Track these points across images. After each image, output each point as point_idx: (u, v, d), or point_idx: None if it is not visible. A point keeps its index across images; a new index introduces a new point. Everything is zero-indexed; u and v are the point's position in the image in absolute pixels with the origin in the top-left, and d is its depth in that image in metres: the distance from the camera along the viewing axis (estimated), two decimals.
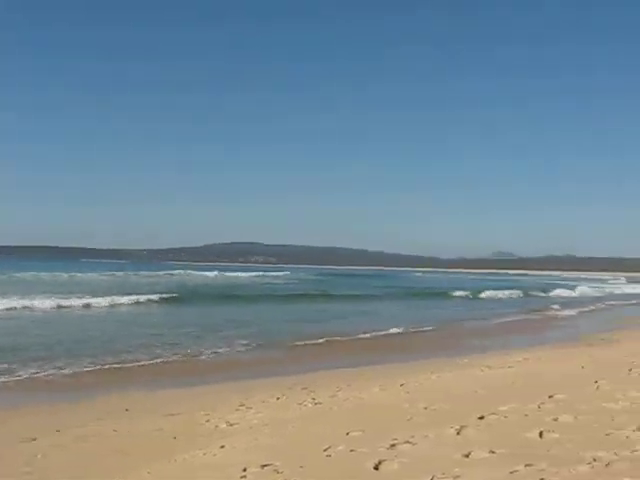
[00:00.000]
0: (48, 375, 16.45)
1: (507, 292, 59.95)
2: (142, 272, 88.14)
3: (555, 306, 45.32)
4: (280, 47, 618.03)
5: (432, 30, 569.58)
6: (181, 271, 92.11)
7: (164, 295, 42.30)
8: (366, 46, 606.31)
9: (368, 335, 26.94)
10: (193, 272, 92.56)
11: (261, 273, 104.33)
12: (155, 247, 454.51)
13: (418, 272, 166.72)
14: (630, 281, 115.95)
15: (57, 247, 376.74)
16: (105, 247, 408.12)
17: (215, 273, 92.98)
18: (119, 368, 17.82)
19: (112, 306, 37.38)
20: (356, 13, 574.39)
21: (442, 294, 58.03)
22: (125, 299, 39.42)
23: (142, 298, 40.35)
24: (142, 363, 18.71)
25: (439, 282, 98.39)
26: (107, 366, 17.88)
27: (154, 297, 41.29)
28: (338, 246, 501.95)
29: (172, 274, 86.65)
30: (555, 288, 69.78)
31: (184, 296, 44.30)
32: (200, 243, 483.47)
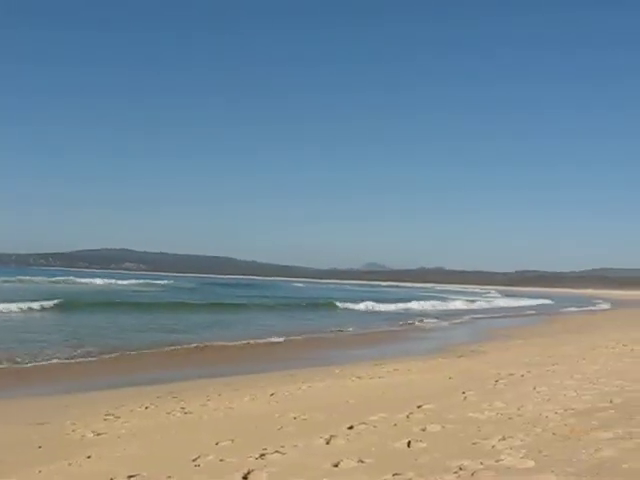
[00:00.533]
0: None
1: (386, 305, 59.58)
2: (19, 277, 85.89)
3: (430, 319, 45.98)
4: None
5: None
6: (61, 277, 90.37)
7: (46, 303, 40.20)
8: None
9: (241, 343, 26.94)
10: (76, 279, 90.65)
11: (142, 280, 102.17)
12: (23, 252, 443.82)
13: (298, 282, 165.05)
14: (505, 295, 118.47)
15: None
16: None
17: (101, 280, 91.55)
18: None
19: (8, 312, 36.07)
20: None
21: (324, 305, 57.27)
22: (13, 306, 37.56)
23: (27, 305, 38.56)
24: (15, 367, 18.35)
25: (320, 292, 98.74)
26: None
27: (37, 305, 39.28)
28: (209, 254, 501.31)
29: (53, 281, 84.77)
30: (429, 299, 70.55)
31: (66, 303, 42.30)
32: (69, 249, 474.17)
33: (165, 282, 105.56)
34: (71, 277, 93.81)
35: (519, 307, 73.13)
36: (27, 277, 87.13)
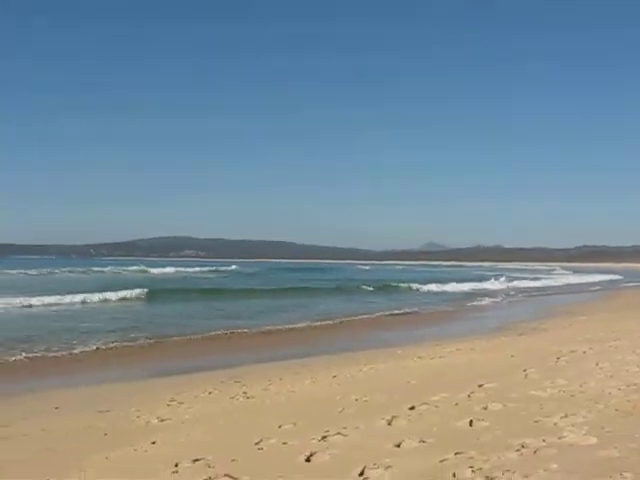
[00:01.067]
0: None
1: (451, 285, 57.93)
2: (95, 268, 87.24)
3: (492, 298, 45.59)
4: None
5: None
6: (137, 267, 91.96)
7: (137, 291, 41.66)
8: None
9: (305, 325, 27.24)
10: (148, 268, 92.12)
11: (208, 268, 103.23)
12: (83, 242, 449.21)
13: (363, 265, 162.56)
14: (572, 271, 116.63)
15: None
16: (30, 243, 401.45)
17: (173, 269, 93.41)
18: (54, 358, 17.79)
19: (104, 301, 37.71)
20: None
21: (391, 287, 56.17)
22: (112, 295, 39.33)
23: (128, 294, 40.35)
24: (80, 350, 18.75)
25: (385, 274, 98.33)
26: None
27: (132, 294, 40.87)
28: (268, 239, 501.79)
29: (127, 270, 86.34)
30: (495, 278, 68.31)
31: (158, 292, 43.80)
32: (129, 238, 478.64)
33: (233, 268, 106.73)
34: (142, 266, 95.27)
35: (586, 283, 71.93)
36: (98, 268, 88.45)
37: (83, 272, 79.03)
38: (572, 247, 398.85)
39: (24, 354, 18.83)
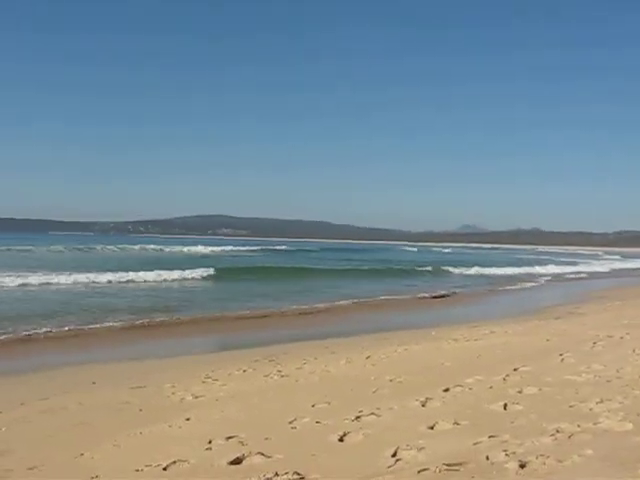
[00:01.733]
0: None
1: (494, 269, 56.61)
2: (151, 246, 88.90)
3: (532, 281, 45.35)
4: None
5: None
6: (192, 247, 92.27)
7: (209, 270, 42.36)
8: None
9: (347, 303, 27.45)
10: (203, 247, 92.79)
11: (260, 247, 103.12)
12: (121, 219, 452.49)
13: (412, 248, 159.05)
14: (621, 257, 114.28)
15: (14, 219, 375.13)
16: (70, 219, 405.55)
17: (230, 247, 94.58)
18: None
19: (182, 280, 38.59)
20: None
21: (434, 270, 54.67)
22: (187, 273, 40.19)
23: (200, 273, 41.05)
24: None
25: (429, 256, 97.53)
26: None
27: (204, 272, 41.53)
28: (305, 219, 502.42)
29: (190, 249, 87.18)
30: (543, 264, 67.89)
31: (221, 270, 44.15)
32: (166, 216, 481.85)
33: (284, 247, 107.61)
34: (200, 246, 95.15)
35: (634, 269, 70.82)
36: (152, 245, 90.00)
37: (144, 250, 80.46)
38: (610, 232, 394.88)
39: (71, 326, 19.46)
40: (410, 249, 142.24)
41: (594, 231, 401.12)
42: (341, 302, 28.22)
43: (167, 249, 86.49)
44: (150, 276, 37.43)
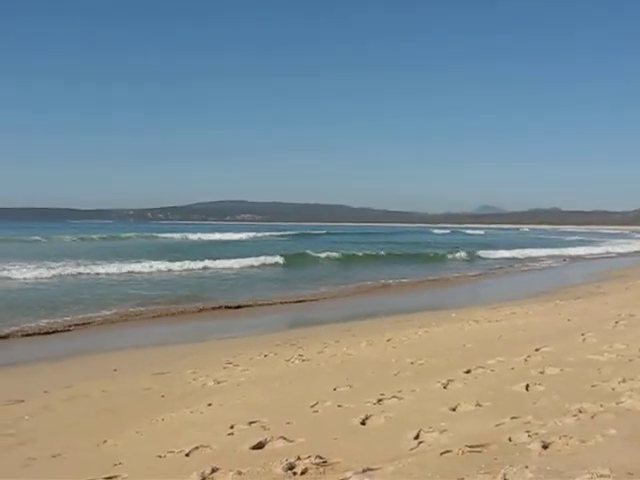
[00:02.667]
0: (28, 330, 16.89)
1: (517, 251, 55.24)
2: (197, 235, 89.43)
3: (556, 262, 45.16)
4: None
5: None
6: (249, 233, 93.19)
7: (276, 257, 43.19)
8: None
9: (374, 284, 27.55)
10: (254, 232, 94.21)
11: (294, 232, 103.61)
12: (140, 206, 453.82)
13: (437, 230, 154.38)
14: None
15: (35, 208, 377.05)
16: (90, 207, 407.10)
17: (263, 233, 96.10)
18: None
19: (260, 266, 39.87)
20: None
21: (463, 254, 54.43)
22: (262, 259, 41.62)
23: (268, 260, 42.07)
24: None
25: (458, 238, 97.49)
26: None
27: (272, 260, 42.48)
28: (322, 203, 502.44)
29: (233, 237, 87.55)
30: (576, 245, 66.51)
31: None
32: (185, 202, 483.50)
33: (324, 232, 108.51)
34: (229, 232, 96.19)
35: None
36: (198, 234, 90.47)
37: (186, 240, 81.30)
38: (631, 210, 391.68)
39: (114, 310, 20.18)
40: (442, 231, 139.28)
41: (614, 210, 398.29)
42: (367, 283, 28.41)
43: (204, 237, 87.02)
44: (229, 263, 39.04)
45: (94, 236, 75.94)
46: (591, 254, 56.71)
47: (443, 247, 62.34)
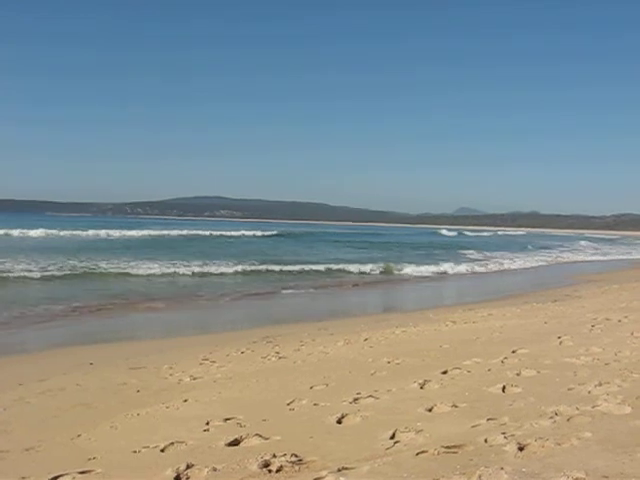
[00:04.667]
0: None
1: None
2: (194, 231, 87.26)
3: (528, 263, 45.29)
4: None
5: None
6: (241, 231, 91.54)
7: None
8: None
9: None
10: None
11: (280, 230, 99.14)
12: (119, 201, 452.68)
13: (444, 230, 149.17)
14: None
15: (13, 200, 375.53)
16: (68, 200, 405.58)
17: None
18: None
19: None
20: None
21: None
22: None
23: None
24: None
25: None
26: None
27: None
28: (300, 201, 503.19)
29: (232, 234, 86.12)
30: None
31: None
32: (163, 197, 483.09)
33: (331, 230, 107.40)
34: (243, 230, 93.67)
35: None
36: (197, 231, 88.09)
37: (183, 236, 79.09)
38: (609, 215, 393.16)
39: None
40: (448, 233, 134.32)
41: (593, 214, 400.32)
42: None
43: (205, 233, 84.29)
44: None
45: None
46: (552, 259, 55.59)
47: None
